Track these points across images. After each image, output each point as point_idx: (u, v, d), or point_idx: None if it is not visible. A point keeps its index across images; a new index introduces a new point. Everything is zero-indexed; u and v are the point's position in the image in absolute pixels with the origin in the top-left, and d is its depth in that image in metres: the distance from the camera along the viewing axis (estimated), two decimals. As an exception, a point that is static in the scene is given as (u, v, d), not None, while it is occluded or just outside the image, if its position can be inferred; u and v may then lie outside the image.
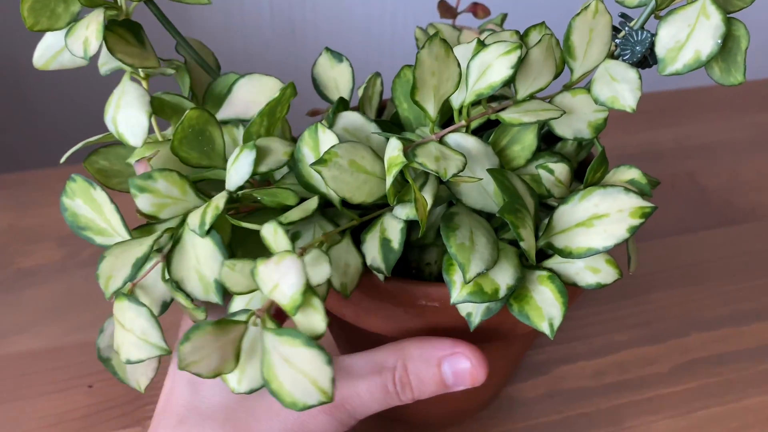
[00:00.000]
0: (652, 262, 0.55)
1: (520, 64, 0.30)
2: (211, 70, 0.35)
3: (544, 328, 0.28)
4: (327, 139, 0.29)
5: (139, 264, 0.27)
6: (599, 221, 0.29)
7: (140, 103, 0.30)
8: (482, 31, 0.40)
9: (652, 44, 0.31)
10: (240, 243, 0.30)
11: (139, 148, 0.30)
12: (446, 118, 0.35)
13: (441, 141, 0.30)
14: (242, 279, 0.26)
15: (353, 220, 0.31)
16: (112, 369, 0.31)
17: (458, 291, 0.28)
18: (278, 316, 0.29)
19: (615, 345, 0.49)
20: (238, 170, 0.27)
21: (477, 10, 0.44)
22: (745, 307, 0.52)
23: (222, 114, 0.33)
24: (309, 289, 0.24)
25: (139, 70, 0.32)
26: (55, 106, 1.02)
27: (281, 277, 0.24)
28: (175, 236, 0.28)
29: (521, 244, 0.28)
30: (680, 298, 0.52)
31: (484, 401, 0.43)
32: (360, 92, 0.38)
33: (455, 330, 0.32)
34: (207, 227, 0.26)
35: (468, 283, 0.28)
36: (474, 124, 0.32)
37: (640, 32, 0.32)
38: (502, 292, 0.28)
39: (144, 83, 0.33)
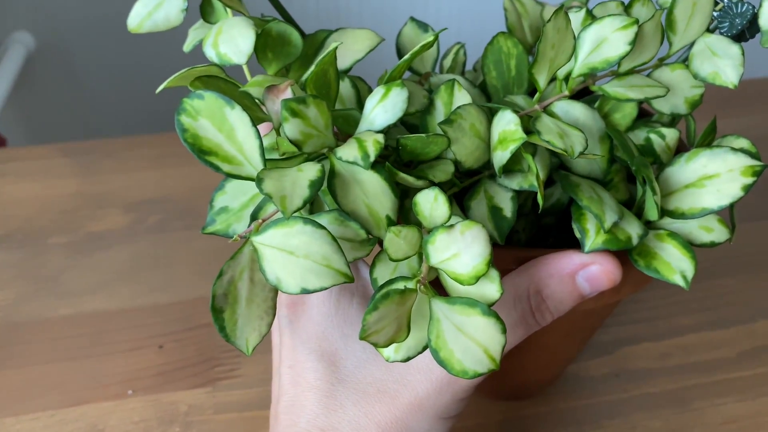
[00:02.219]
0: (717, 249, 0.55)
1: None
2: (300, 30, 0.36)
3: (677, 280, 0.28)
4: (461, 97, 0.29)
5: (317, 185, 0.24)
6: (710, 181, 0.29)
7: (245, 24, 0.28)
8: (567, 8, 0.40)
9: (754, 17, 0.31)
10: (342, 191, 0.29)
11: (253, 79, 0.28)
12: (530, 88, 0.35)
13: (546, 109, 0.30)
14: (405, 246, 0.25)
15: (454, 185, 0.31)
16: (220, 323, 0.26)
17: (593, 239, 0.28)
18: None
19: (680, 328, 0.49)
20: (388, 108, 0.26)
21: None
22: (811, 296, 0.51)
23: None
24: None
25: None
26: (111, 84, 1.04)
27: (465, 247, 0.24)
28: (327, 169, 0.26)
29: (654, 198, 0.28)
30: (744, 285, 0.52)
31: (553, 376, 0.44)
32: (447, 62, 0.38)
33: None
34: (372, 159, 0.24)
35: (602, 232, 0.28)
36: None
37: (740, 4, 0.32)
38: (634, 240, 0.28)
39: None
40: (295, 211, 0.23)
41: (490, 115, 0.30)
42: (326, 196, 0.28)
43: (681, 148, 0.37)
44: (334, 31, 0.33)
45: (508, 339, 0.29)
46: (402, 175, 0.26)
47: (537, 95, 0.30)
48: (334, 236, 0.23)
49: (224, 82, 0.28)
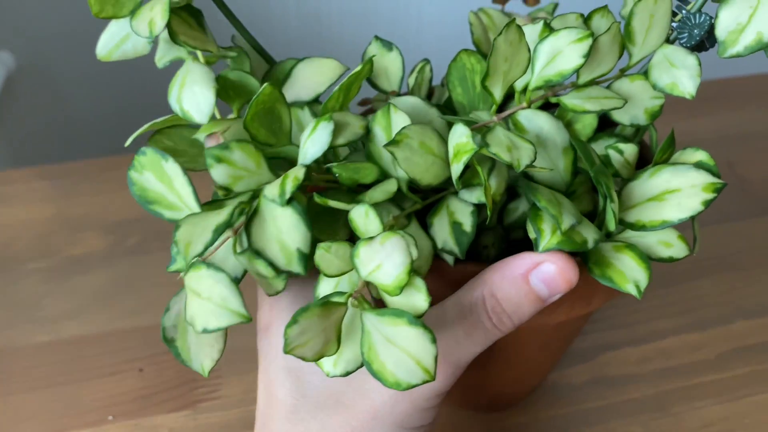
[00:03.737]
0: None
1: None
2: (268, 56, 0.36)
3: (630, 289, 0.28)
4: (399, 119, 0.29)
5: (221, 230, 0.26)
6: (672, 195, 0.29)
7: (206, 79, 0.29)
8: (533, 19, 0.40)
9: (711, 27, 0.31)
10: (315, 217, 0.30)
11: (205, 125, 0.30)
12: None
13: (510, 118, 0.30)
14: (336, 261, 0.26)
15: (416, 203, 0.31)
16: (175, 350, 0.30)
17: (548, 239, 0.28)
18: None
19: (659, 332, 0.49)
20: (315, 142, 0.27)
21: None
22: (789, 295, 0.52)
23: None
24: (413, 269, 0.24)
25: (199, 55, 0.33)
26: (86, 101, 1.04)
27: (386, 257, 0.24)
28: (250, 209, 0.28)
29: (611, 206, 0.29)
30: (722, 287, 0.52)
31: (531, 387, 0.44)
32: (411, 80, 0.38)
33: None
34: (287, 196, 0.25)
35: (557, 233, 0.28)
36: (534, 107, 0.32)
37: (698, 15, 0.32)
38: (590, 244, 0.28)
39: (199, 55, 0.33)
40: (196, 257, 0.25)
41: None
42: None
43: (646, 157, 0.37)
44: (301, 60, 0.34)
45: (468, 346, 0.29)
46: (330, 201, 0.27)
47: (493, 107, 0.31)
48: (232, 278, 0.25)
49: (188, 129, 0.31)
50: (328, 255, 0.26)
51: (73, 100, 1.03)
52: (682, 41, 0.32)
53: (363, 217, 0.26)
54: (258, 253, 0.26)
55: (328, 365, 0.26)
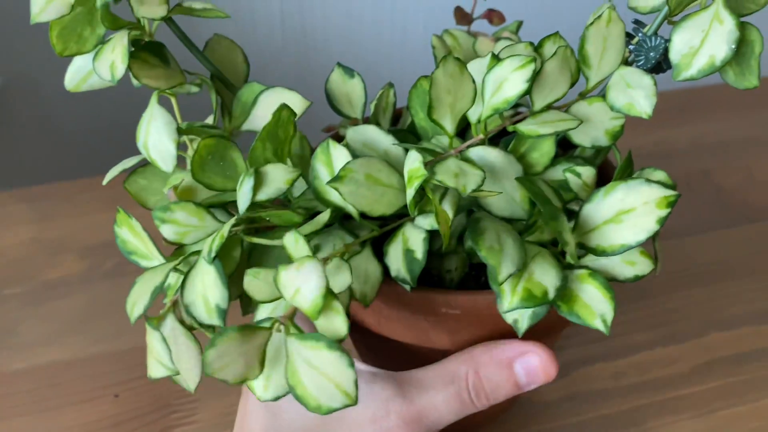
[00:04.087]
0: (670, 263, 0.55)
1: (536, 76, 0.30)
2: (230, 84, 0.36)
3: (598, 324, 0.29)
4: (339, 154, 0.29)
5: (156, 292, 0.28)
6: (627, 216, 0.29)
7: (167, 130, 0.31)
8: (498, 38, 0.40)
9: (666, 50, 0.31)
10: (258, 262, 0.31)
11: (173, 175, 0.32)
12: (463, 126, 0.36)
13: (462, 154, 0.31)
14: (265, 287, 0.27)
15: (373, 231, 0.31)
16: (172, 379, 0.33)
17: (509, 299, 0.28)
18: (303, 325, 0.30)
19: (634, 346, 0.49)
20: (241, 198, 0.29)
21: (492, 16, 0.44)
22: (763, 305, 0.52)
23: (248, 126, 0.34)
24: (330, 293, 0.25)
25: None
26: (73, 119, 1.04)
27: (303, 281, 0.25)
28: (194, 262, 0.30)
29: (566, 248, 0.29)
30: (699, 298, 0.52)
31: (507, 405, 0.44)
32: (372, 106, 0.38)
33: (477, 337, 0.33)
34: (213, 255, 0.27)
35: (517, 290, 0.28)
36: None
37: (653, 38, 0.32)
38: (551, 294, 0.29)
39: (173, 100, 0.34)
40: (137, 319, 0.28)
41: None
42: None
43: (611, 177, 0.38)
44: (266, 90, 0.34)
45: (443, 413, 0.31)
46: (254, 239, 0.29)
47: (449, 141, 0.31)
48: (163, 337, 0.28)
49: (156, 177, 0.35)
50: (256, 281, 0.27)
51: (60, 119, 1.03)
52: (639, 64, 0.33)
53: (293, 243, 0.26)
54: (187, 308, 0.28)
55: (259, 389, 0.26)
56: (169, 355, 0.28)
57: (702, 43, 0.30)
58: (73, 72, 0.34)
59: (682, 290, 0.53)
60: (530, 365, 0.31)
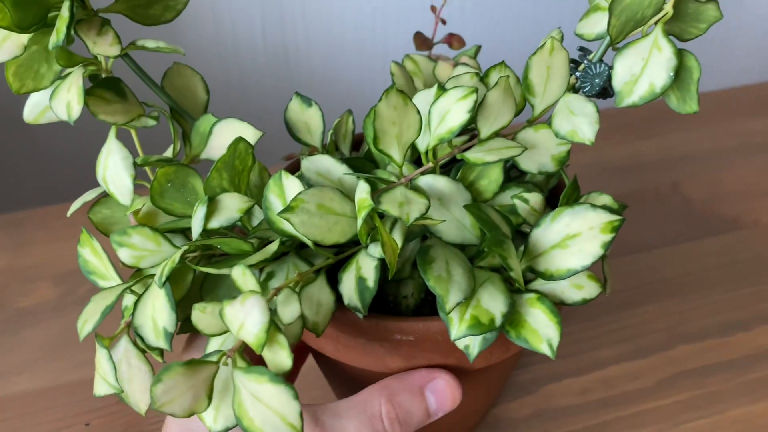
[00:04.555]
0: (637, 276, 0.56)
1: (480, 105, 0.31)
2: (188, 115, 0.37)
3: (544, 349, 0.29)
4: (291, 185, 0.30)
5: (106, 312, 0.30)
6: (573, 241, 0.30)
7: (124, 165, 0.32)
8: (457, 63, 0.41)
9: (610, 76, 0.32)
10: (211, 288, 0.32)
11: (136, 200, 0.33)
12: (417, 155, 0.36)
13: (412, 182, 0.31)
14: (213, 321, 0.28)
15: (328, 258, 0.32)
16: (121, 398, 0.33)
17: (457, 327, 0.29)
18: (252, 357, 0.30)
19: (601, 361, 0.49)
20: (194, 225, 0.30)
21: (452, 41, 0.45)
22: (729, 317, 0.52)
23: (206, 155, 0.35)
24: (273, 327, 0.26)
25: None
26: (51, 143, 1.04)
27: (246, 315, 0.26)
28: (147, 285, 0.30)
29: (511, 273, 0.30)
30: (665, 311, 0.53)
31: (473, 424, 0.44)
32: (329, 135, 0.39)
33: (432, 362, 0.33)
34: (164, 279, 0.28)
35: (464, 317, 0.29)
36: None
37: (598, 65, 0.33)
38: (498, 321, 0.29)
39: (132, 132, 0.35)
40: (86, 335, 0.30)
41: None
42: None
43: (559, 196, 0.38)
44: (219, 121, 0.35)
45: None
46: (203, 268, 0.30)
47: (399, 170, 0.32)
48: (110, 355, 0.29)
49: (119, 207, 0.36)
50: (203, 315, 0.27)
51: (40, 144, 1.03)
52: (585, 90, 0.33)
53: (241, 276, 0.27)
54: (136, 330, 0.29)
55: (209, 420, 0.27)
56: (114, 373, 0.29)
57: (642, 71, 0.31)
58: (32, 106, 0.35)
59: (648, 304, 0.53)
60: (438, 389, 0.32)
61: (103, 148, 0.34)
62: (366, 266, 0.31)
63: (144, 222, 0.35)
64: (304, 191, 0.29)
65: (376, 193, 0.29)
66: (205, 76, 0.38)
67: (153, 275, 0.31)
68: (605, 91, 0.34)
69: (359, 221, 0.29)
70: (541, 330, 0.30)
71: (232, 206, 0.30)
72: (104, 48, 0.31)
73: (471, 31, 0.67)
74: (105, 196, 0.36)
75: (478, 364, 0.34)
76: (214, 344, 0.30)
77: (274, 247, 0.30)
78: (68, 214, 0.37)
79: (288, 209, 0.28)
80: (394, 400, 0.32)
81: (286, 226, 0.31)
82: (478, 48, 0.44)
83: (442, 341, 0.32)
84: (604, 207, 0.31)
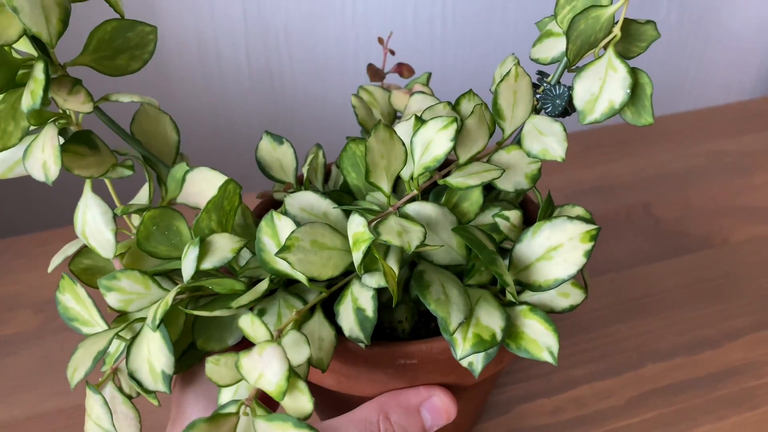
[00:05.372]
0: (609, 295, 0.57)
1: (458, 133, 0.33)
2: (161, 162, 0.37)
3: (546, 357, 0.31)
4: (284, 225, 0.31)
5: (98, 358, 0.30)
6: (556, 252, 0.32)
7: (104, 219, 0.32)
8: (412, 93, 0.42)
9: (570, 96, 0.34)
10: (203, 328, 0.32)
11: (119, 245, 0.33)
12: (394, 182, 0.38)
13: (400, 210, 0.33)
14: (227, 371, 0.28)
15: (322, 293, 0.33)
16: None
17: (462, 346, 0.30)
18: (267, 401, 0.31)
19: (573, 380, 0.50)
20: (185, 266, 0.30)
21: (402, 70, 0.46)
22: (698, 335, 0.54)
23: (182, 198, 0.35)
24: (293, 374, 0.26)
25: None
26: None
27: (265, 366, 0.26)
28: (139, 329, 0.31)
29: (507, 289, 0.31)
30: (636, 330, 0.54)
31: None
32: (305, 170, 0.40)
33: (433, 381, 0.34)
34: (158, 322, 0.28)
35: (467, 336, 0.30)
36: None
37: (557, 87, 0.35)
38: (498, 336, 0.31)
39: (107, 183, 0.34)
40: (77, 383, 0.30)
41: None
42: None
43: (531, 211, 0.40)
44: (192, 169, 0.35)
45: None
46: (195, 312, 0.30)
47: (387, 200, 0.33)
48: (105, 400, 0.29)
49: (100, 257, 0.36)
50: (217, 368, 0.27)
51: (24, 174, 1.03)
52: (547, 111, 0.35)
53: (250, 325, 0.27)
54: (131, 374, 0.29)
55: None
56: (110, 419, 0.29)
57: (601, 90, 0.33)
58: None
59: (619, 323, 0.55)
60: (433, 404, 0.33)
61: (80, 203, 0.33)
62: (362, 297, 0.32)
63: (129, 266, 0.34)
64: (297, 229, 0.30)
65: (369, 224, 0.30)
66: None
67: (141, 319, 0.32)
68: (565, 111, 0.35)
69: (359, 255, 0.30)
70: (540, 339, 0.31)
71: (224, 246, 0.30)
72: (76, 105, 0.30)
73: (421, 59, 0.68)
74: (84, 247, 0.36)
75: (473, 379, 0.35)
76: (226, 395, 0.30)
77: (264, 285, 0.30)
78: (49, 270, 0.37)
79: (284, 249, 0.29)
80: (392, 419, 0.32)
81: (281, 266, 0.31)
82: (429, 75, 0.45)
83: (443, 360, 0.33)
84: (579, 218, 0.32)
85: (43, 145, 0.30)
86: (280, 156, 0.38)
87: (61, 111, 0.31)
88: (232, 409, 0.26)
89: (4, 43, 0.26)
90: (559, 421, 0.48)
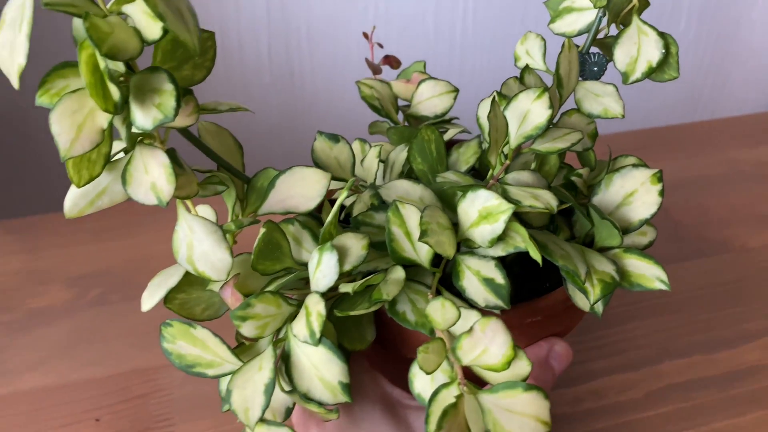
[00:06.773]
0: (627, 294, 0.58)
1: None
2: (240, 173, 0.35)
3: (659, 285, 0.33)
4: (410, 213, 0.32)
5: (270, 390, 0.29)
6: (633, 197, 0.35)
7: (215, 239, 0.29)
8: (420, 81, 0.44)
9: (606, 62, 0.37)
10: (343, 329, 0.32)
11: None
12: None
13: (500, 180, 0.35)
14: (434, 357, 0.28)
15: (436, 272, 0.33)
16: None
17: (593, 292, 0.32)
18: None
19: (592, 373, 0.52)
20: (325, 274, 0.29)
21: (391, 61, 0.48)
22: (715, 335, 0.55)
23: (266, 208, 0.33)
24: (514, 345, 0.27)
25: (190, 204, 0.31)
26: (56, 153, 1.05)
27: (490, 341, 0.27)
28: (285, 349, 0.30)
29: (615, 231, 0.33)
30: (655, 328, 0.55)
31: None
32: (365, 163, 0.41)
33: (549, 334, 0.37)
34: (318, 336, 0.28)
35: (595, 283, 0.32)
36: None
37: (592, 55, 0.38)
38: (617, 277, 0.33)
39: (189, 204, 0.31)
40: (256, 422, 0.29)
41: (439, 200, 0.35)
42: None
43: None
44: (284, 172, 0.34)
45: None
46: (351, 312, 0.29)
47: (490, 173, 0.35)
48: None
49: (194, 288, 0.34)
50: (427, 355, 0.28)
51: (48, 151, 1.05)
52: (585, 77, 0.38)
53: (440, 308, 0.29)
54: (306, 396, 0.29)
55: None
56: None
57: (639, 52, 0.36)
58: (77, 198, 0.30)
59: (638, 320, 0.56)
60: (558, 354, 0.36)
61: (178, 228, 0.30)
62: (485, 268, 0.32)
63: (242, 291, 0.32)
64: (424, 214, 0.31)
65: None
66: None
67: (281, 340, 0.30)
68: (599, 76, 0.38)
69: (499, 225, 0.31)
70: (647, 272, 0.33)
71: (355, 246, 0.30)
72: (181, 118, 0.28)
73: (442, 59, 0.69)
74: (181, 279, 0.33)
75: (571, 328, 0.38)
76: (422, 383, 0.29)
77: (401, 274, 0.31)
78: (145, 308, 0.33)
79: (423, 234, 0.30)
80: (532, 374, 0.34)
81: (408, 254, 0.32)
82: (424, 63, 0.47)
83: (560, 312, 0.35)
84: (638, 164, 0.35)
85: (144, 166, 0.28)
86: (337, 154, 0.38)
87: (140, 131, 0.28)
88: (453, 390, 0.27)
89: (130, 58, 0.24)
90: (579, 411, 0.49)
